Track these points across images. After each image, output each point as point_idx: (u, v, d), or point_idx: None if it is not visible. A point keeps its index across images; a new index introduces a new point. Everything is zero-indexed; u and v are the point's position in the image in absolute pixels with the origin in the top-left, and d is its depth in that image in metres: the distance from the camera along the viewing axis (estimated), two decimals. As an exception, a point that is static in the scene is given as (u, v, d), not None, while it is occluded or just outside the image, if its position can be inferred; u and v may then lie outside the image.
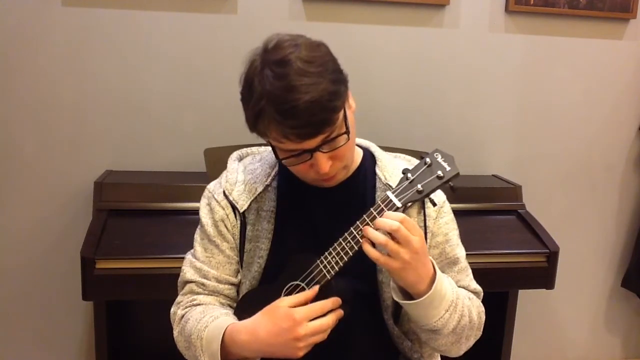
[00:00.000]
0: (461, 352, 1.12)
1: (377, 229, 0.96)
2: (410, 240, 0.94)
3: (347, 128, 1.01)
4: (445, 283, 1.02)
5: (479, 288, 1.18)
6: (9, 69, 1.91)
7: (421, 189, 0.99)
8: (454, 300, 1.03)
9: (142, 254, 1.65)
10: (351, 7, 2.04)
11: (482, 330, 1.14)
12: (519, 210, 1.98)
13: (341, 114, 0.99)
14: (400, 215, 0.96)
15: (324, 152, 0.99)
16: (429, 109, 2.16)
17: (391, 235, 0.95)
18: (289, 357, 0.99)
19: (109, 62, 1.95)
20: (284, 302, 1.00)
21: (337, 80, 0.97)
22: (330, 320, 0.99)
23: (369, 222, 0.98)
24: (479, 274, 1.23)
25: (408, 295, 1.02)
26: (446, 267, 1.14)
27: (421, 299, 0.98)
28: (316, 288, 1.02)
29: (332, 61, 0.99)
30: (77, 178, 2.00)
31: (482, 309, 1.15)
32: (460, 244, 1.18)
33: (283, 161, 1.03)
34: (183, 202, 1.78)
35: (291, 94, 0.92)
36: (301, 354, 0.98)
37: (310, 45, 0.98)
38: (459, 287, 1.13)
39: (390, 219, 0.95)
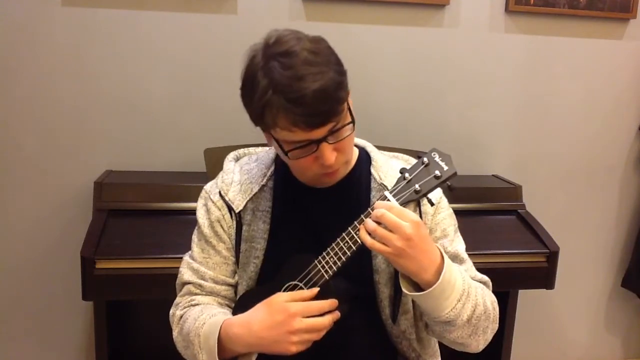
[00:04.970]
0: (480, 347, 1.06)
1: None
2: (399, 226, 0.93)
3: (352, 118, 1.02)
4: (455, 272, 0.99)
5: (486, 278, 1.15)
6: (9, 69, 1.91)
7: (419, 188, 0.99)
8: (466, 289, 0.99)
9: (142, 254, 1.65)
10: (351, 7, 2.04)
11: (497, 322, 1.08)
12: (519, 210, 1.98)
13: (346, 105, 1.00)
14: (387, 203, 0.97)
15: (329, 143, 1.00)
16: (429, 108, 2.16)
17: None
18: (282, 352, 0.98)
19: (109, 62, 1.95)
20: (280, 297, 1.00)
21: (340, 72, 1.00)
22: (326, 321, 0.98)
23: None
24: (479, 273, 1.23)
25: (418, 287, 0.99)
26: None
27: (430, 289, 0.95)
28: (316, 289, 1.01)
29: (333, 54, 1.01)
30: (77, 178, 2.00)
31: (494, 298, 1.10)
32: (459, 238, 1.16)
33: (289, 154, 1.02)
34: (183, 202, 1.78)
35: (300, 83, 0.93)
36: (294, 349, 0.97)
37: (313, 38, 1.00)
38: None
39: (376, 208, 0.96)
